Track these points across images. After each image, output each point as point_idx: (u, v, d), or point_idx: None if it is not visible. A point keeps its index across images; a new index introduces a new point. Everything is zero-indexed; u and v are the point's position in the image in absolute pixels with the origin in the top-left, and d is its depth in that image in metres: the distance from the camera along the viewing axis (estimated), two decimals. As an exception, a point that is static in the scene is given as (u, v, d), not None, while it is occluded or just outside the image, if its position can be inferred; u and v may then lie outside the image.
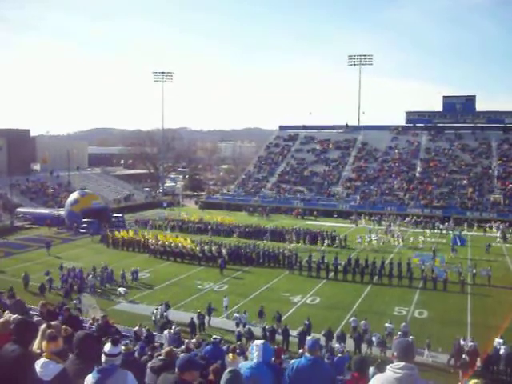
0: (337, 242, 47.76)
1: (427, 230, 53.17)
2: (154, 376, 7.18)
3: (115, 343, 5.18)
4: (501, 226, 54.63)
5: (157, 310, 27.07)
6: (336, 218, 64.66)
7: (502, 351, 21.13)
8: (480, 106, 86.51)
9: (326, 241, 47.54)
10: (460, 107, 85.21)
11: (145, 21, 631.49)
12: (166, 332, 21.95)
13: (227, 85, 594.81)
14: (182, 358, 5.12)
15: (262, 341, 6.02)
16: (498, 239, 50.33)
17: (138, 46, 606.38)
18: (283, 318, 26.48)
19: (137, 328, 21.10)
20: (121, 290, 31.67)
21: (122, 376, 4.99)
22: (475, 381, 5.45)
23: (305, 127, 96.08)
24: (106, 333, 8.22)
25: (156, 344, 16.03)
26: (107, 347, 5.11)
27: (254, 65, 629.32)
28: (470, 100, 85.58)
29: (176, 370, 4.80)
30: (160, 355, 8.42)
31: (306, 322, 24.28)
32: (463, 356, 20.72)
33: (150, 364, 7.66)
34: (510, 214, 60.53)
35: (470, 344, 21.70)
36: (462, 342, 21.65)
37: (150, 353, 11.95)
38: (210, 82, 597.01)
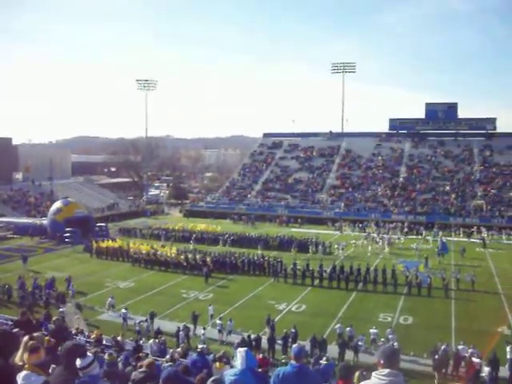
0: (325, 249, 47.69)
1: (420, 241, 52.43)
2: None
3: (83, 355, 5.09)
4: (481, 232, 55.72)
5: (142, 321, 26.92)
6: (329, 225, 64.54)
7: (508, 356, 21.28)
8: (462, 113, 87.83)
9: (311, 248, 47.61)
10: (442, 114, 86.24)
11: (127, 28, 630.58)
12: (151, 341, 21.77)
13: (211, 92, 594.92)
14: (168, 371, 5.07)
15: (244, 348, 6.01)
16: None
17: (121, 53, 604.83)
18: (266, 327, 26.37)
19: (119, 338, 20.85)
20: (110, 300, 31.11)
21: None
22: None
23: (289, 135, 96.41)
24: (61, 338, 8.02)
25: (142, 354, 15.85)
26: (78, 361, 5.01)
27: (237, 72, 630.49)
28: (452, 107, 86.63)
29: (160, 382, 4.75)
30: (142, 366, 8.33)
31: (293, 330, 24.25)
32: (436, 356, 21.03)
33: (132, 376, 7.56)
34: (492, 219, 61.26)
35: (459, 348, 21.86)
36: (443, 347, 21.76)
37: (134, 363, 11.84)
38: (194, 89, 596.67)
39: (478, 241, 52.91)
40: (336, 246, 48.03)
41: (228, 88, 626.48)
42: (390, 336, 23.75)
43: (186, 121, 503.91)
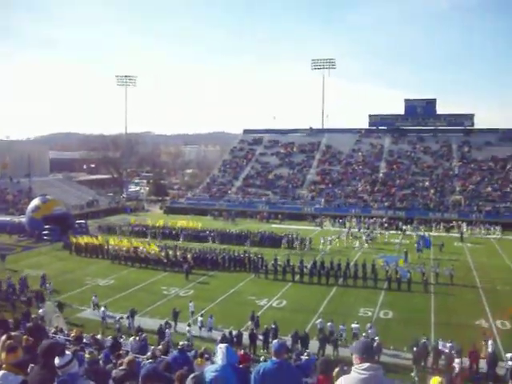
0: (306, 244, 48.04)
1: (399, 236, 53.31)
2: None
3: (61, 354, 5.03)
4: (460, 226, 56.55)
5: (122, 318, 26.77)
6: (310, 221, 64.75)
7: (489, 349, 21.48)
8: (440, 110, 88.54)
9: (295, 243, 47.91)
10: (421, 110, 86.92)
11: (106, 26, 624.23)
12: (131, 339, 21.62)
13: (190, 88, 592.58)
14: (147, 368, 5.03)
15: (225, 344, 6.00)
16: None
17: (100, 49, 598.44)
18: (249, 322, 26.41)
19: (99, 336, 20.68)
20: (93, 298, 30.73)
21: None
22: (437, 379, 5.53)
23: (269, 131, 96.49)
24: (39, 337, 7.87)
25: (122, 352, 15.75)
26: (56, 360, 4.96)
27: (217, 68, 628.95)
28: (431, 103, 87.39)
29: (139, 379, 4.71)
30: (122, 364, 8.27)
31: (273, 326, 24.30)
32: (415, 349, 21.31)
33: (113, 374, 7.50)
34: (470, 214, 62.05)
35: (440, 343, 22.10)
36: (423, 341, 22.01)
37: (114, 361, 11.77)
38: (174, 85, 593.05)
39: (456, 235, 53.68)
40: (322, 241, 48.24)
41: (208, 84, 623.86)
42: (369, 331, 23.95)
43: (166, 117, 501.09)
